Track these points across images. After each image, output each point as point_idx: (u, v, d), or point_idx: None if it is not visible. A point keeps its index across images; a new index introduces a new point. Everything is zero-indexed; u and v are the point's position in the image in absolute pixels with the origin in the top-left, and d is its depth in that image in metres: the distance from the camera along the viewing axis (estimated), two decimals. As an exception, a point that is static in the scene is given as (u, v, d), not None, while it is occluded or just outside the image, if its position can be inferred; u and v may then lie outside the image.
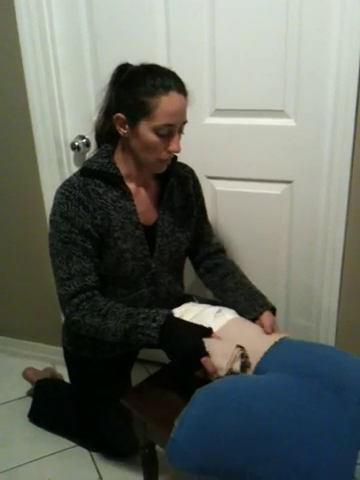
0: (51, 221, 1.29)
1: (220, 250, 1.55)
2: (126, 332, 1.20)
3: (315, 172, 1.56)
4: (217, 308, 1.31)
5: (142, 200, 1.36)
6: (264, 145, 1.59)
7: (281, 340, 1.19)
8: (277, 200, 1.65)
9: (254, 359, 1.14)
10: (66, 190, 1.27)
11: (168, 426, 1.08)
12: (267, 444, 0.93)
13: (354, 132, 1.45)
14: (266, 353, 1.14)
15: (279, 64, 1.47)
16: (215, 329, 1.22)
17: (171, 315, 1.22)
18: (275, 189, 1.64)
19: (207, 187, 1.58)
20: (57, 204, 1.28)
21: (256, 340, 1.20)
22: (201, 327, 1.19)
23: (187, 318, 1.27)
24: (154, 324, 1.17)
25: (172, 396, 1.20)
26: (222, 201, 1.71)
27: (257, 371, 1.13)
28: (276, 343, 1.18)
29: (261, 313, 1.32)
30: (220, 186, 1.70)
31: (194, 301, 1.44)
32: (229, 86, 1.55)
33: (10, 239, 2.07)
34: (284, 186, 1.63)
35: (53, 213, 1.28)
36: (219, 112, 1.60)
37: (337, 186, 1.52)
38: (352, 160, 1.48)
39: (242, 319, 1.30)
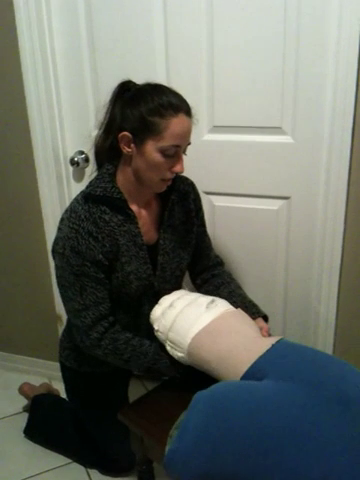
0: (60, 254, 1.25)
1: (218, 263, 1.56)
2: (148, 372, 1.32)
3: (312, 188, 1.58)
4: (210, 298, 1.28)
5: (144, 221, 1.36)
6: (262, 161, 1.60)
7: (278, 342, 1.16)
8: (274, 215, 1.66)
9: (248, 360, 1.11)
10: (74, 223, 1.24)
11: (165, 442, 1.08)
12: (276, 456, 0.91)
13: (351, 149, 1.46)
14: (261, 357, 1.11)
15: (277, 81, 1.49)
16: (208, 320, 1.20)
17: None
18: (272, 205, 1.65)
19: (205, 202, 1.59)
20: (66, 238, 1.24)
21: (251, 339, 1.17)
22: None
23: (179, 306, 1.25)
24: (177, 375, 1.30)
25: (169, 412, 1.19)
26: (220, 216, 1.72)
27: (249, 372, 1.10)
28: (273, 346, 1.15)
29: (253, 319, 1.32)
30: (218, 201, 1.71)
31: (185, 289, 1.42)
32: (227, 103, 1.57)
33: (9, 254, 2.07)
34: (281, 202, 1.64)
35: (62, 247, 1.24)
36: (217, 129, 1.62)
37: (334, 202, 1.54)
38: (349, 177, 1.49)
39: (237, 312, 1.26)
